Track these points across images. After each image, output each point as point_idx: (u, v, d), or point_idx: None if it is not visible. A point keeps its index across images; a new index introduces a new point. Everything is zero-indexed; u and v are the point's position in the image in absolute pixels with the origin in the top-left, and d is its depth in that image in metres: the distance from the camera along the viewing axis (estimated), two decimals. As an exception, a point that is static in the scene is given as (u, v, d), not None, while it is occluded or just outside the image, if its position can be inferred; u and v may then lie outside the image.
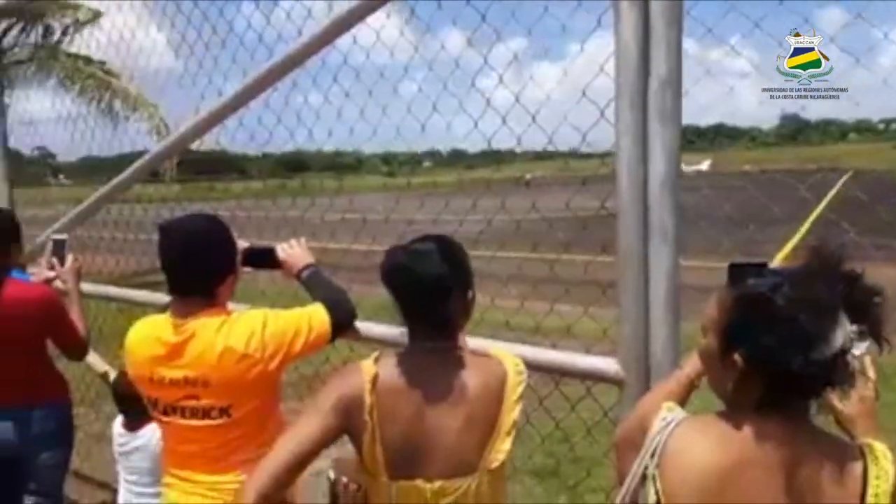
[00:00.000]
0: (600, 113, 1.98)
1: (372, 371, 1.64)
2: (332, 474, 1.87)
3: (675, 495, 1.18)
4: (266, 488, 1.50)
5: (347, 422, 1.61)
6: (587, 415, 2.51)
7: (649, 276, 1.81)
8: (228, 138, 3.23)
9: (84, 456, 4.17)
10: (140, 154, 3.61)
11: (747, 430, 1.17)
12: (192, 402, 1.92)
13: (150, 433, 2.83)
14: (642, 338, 1.83)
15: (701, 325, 1.32)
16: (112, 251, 4.61)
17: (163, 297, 2.62)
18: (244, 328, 1.92)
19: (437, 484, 1.60)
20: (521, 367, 1.73)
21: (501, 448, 1.65)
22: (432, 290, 1.63)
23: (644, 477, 1.25)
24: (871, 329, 1.14)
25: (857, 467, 1.17)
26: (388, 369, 1.65)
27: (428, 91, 2.64)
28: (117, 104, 12.49)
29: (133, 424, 2.96)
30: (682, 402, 1.48)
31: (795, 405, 1.19)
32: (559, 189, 2.79)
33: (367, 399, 1.60)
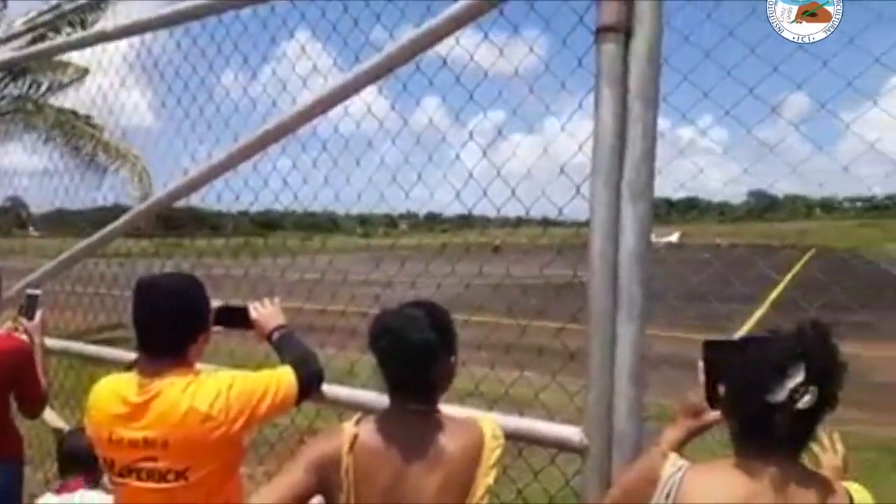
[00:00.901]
0: (576, 189, 2.05)
1: (352, 432, 1.67)
2: None
3: None
4: None
5: (324, 480, 1.63)
6: (549, 484, 2.50)
7: (616, 346, 1.84)
8: (213, 197, 3.27)
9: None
10: (117, 208, 3.61)
11: (748, 472, 1.35)
12: (150, 465, 1.88)
13: (76, 499, 2.63)
14: (606, 406, 1.85)
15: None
16: (78, 306, 4.53)
17: (128, 355, 2.57)
18: (211, 389, 1.89)
19: None
20: (499, 431, 1.75)
21: None
22: (420, 355, 1.66)
23: None
24: (822, 389, 1.31)
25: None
26: (368, 431, 1.68)
27: (410, 159, 2.76)
28: (101, 156, 12.58)
29: (64, 486, 2.73)
30: None
31: (781, 450, 1.36)
32: (533, 256, 2.85)
33: (345, 459, 1.62)
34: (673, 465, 1.44)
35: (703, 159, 2.10)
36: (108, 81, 3.94)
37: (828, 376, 1.32)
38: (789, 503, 1.33)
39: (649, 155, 1.85)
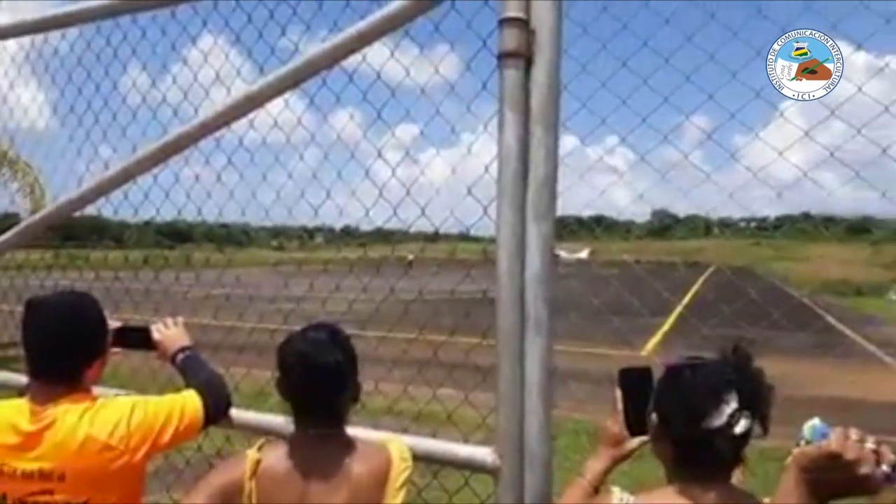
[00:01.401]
0: (483, 210, 2.11)
1: (255, 458, 1.66)
2: None
3: None
4: None
5: None
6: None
7: (525, 364, 1.88)
8: (111, 209, 3.12)
9: None
10: (8, 218, 3.40)
11: (692, 498, 1.39)
12: (46, 498, 1.77)
13: None
14: (517, 425, 1.88)
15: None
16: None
17: (20, 378, 2.42)
18: (110, 416, 1.81)
19: None
20: (407, 453, 1.76)
21: None
22: (331, 379, 1.66)
23: None
24: (755, 413, 1.37)
25: None
26: (272, 456, 1.67)
27: (323, 172, 2.74)
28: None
29: None
30: None
31: (717, 473, 1.41)
32: (448, 271, 2.90)
33: (247, 485, 1.62)
34: (620, 501, 1.47)
35: (609, 178, 2.19)
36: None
37: (759, 399, 1.38)
38: None
39: (551, 178, 1.91)
